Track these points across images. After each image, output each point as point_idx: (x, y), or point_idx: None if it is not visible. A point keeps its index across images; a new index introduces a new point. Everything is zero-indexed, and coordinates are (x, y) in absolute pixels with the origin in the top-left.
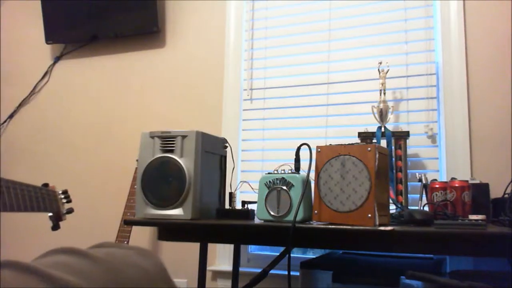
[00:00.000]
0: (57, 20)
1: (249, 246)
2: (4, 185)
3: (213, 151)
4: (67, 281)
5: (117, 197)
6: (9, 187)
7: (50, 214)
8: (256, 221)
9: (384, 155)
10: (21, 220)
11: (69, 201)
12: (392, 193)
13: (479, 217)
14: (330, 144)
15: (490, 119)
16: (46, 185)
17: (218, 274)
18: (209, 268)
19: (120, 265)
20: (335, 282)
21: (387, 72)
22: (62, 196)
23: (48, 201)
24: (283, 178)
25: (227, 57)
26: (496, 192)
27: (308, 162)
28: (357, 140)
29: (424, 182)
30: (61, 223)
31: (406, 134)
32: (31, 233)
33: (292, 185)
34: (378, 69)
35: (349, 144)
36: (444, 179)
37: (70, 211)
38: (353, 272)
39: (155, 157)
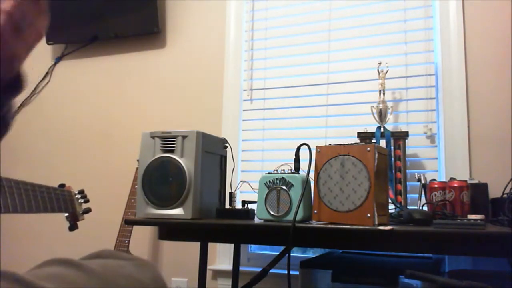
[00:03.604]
0: (58, 20)
1: (249, 245)
2: (15, 186)
3: (213, 151)
4: None
5: (118, 197)
6: (20, 188)
7: (66, 214)
8: (256, 220)
9: (383, 155)
10: (23, 222)
11: (86, 201)
12: (391, 193)
13: (478, 217)
14: (330, 144)
15: (489, 119)
16: (62, 185)
17: (218, 274)
18: (209, 267)
19: (114, 277)
20: (335, 282)
21: (386, 72)
22: (79, 196)
23: (62, 202)
24: (283, 178)
25: (227, 57)
26: (494, 192)
27: (308, 162)
28: (357, 140)
29: (423, 182)
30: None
31: (405, 134)
32: (34, 234)
33: (292, 185)
34: (378, 70)
35: (348, 144)
36: (443, 179)
37: (87, 210)
38: (353, 272)
39: (156, 157)
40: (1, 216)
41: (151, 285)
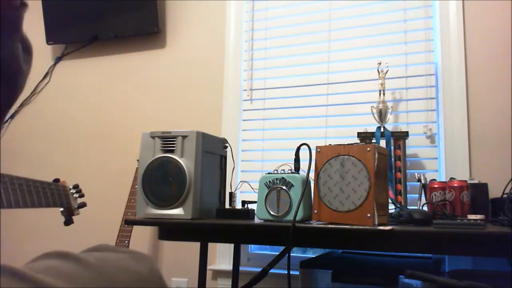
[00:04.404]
0: (58, 20)
1: (249, 245)
2: (9, 181)
3: (213, 151)
4: (55, 287)
5: (118, 197)
6: (14, 183)
7: (61, 209)
8: (256, 220)
9: (383, 155)
10: (23, 221)
11: (81, 196)
12: (391, 193)
13: (478, 217)
14: (330, 144)
15: (489, 119)
16: (57, 180)
17: (218, 274)
18: (209, 267)
19: (111, 270)
20: (335, 282)
21: (386, 72)
22: (74, 191)
23: (57, 196)
24: (283, 178)
25: (227, 57)
26: (494, 192)
27: (308, 162)
28: (357, 140)
29: (423, 182)
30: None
31: (405, 134)
32: (33, 234)
33: (292, 185)
34: (378, 70)
35: (348, 144)
36: (443, 179)
37: (82, 205)
38: (353, 272)
39: (156, 157)
40: (0, 214)
41: (149, 278)
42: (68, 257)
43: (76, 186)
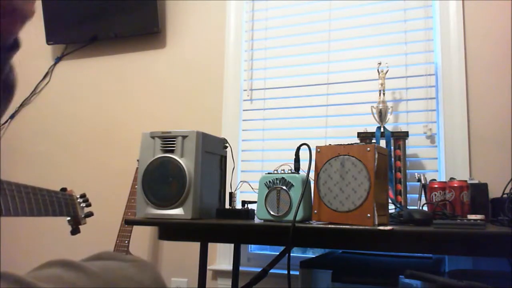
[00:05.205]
0: (58, 20)
1: (249, 245)
2: (16, 189)
3: (213, 151)
4: None
5: (118, 197)
6: (21, 191)
7: (68, 218)
8: (256, 220)
9: (383, 155)
10: (23, 222)
11: (88, 205)
12: (391, 193)
13: (478, 217)
14: (330, 144)
15: (489, 119)
16: (64, 189)
17: (218, 274)
18: (209, 267)
19: (114, 278)
20: (335, 282)
21: (386, 72)
22: (81, 200)
23: (64, 206)
24: (283, 178)
25: (227, 57)
26: (495, 192)
27: (308, 162)
28: (357, 140)
29: (423, 182)
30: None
31: (405, 135)
32: (34, 234)
33: (292, 185)
34: (378, 70)
35: (348, 144)
36: (443, 179)
37: (89, 214)
38: (352, 272)
39: (156, 157)
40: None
41: (152, 286)
42: (71, 265)
43: (83, 195)
